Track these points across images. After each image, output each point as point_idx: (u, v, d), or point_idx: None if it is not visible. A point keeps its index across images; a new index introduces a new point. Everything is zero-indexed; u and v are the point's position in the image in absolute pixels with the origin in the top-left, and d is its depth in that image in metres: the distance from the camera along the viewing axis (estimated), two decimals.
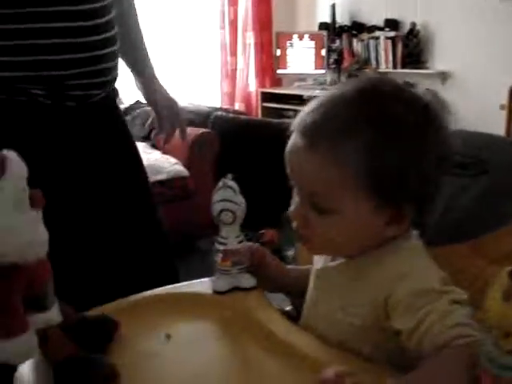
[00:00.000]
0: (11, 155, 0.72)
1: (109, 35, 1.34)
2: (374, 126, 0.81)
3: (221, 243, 1.02)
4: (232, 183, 0.99)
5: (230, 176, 1.00)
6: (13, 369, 0.77)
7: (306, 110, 0.87)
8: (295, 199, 0.90)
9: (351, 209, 0.84)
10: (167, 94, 1.63)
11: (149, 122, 1.72)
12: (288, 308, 1.13)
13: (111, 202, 1.39)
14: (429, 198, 0.87)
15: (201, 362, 0.88)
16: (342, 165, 0.81)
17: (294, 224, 0.90)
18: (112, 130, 1.46)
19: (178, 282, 1.14)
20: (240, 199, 0.99)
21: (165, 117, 1.60)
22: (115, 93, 1.47)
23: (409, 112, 0.83)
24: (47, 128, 1.30)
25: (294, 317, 1.08)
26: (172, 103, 1.63)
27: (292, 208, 0.90)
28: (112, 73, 1.39)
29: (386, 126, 0.82)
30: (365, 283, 0.87)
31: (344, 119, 0.82)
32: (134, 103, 4.25)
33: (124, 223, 1.44)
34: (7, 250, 0.69)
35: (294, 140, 0.87)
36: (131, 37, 1.58)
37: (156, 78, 1.64)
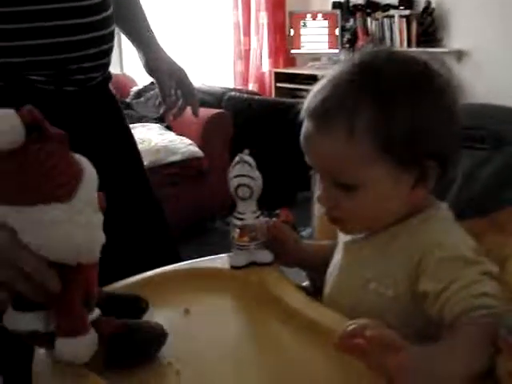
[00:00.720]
0: (84, 162, 0.75)
1: (106, 15, 1.31)
2: (376, 92, 0.82)
3: (238, 218, 1.02)
4: (248, 158, 0.99)
5: (246, 151, 1.00)
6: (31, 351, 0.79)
7: (311, 94, 0.88)
8: (320, 184, 0.90)
9: (374, 180, 0.85)
10: (173, 62, 1.54)
11: (158, 99, 1.61)
12: (305, 283, 1.13)
13: (108, 185, 1.35)
14: (447, 154, 0.86)
15: (219, 337, 0.88)
16: (354, 140, 0.82)
17: (325, 208, 0.91)
18: (108, 113, 1.43)
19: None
20: (257, 174, 0.99)
21: (169, 87, 1.51)
22: (110, 76, 1.44)
23: (410, 73, 0.85)
24: (46, 114, 1.26)
25: (311, 292, 1.08)
26: (178, 72, 1.53)
27: (318, 193, 0.91)
28: (109, 55, 1.36)
29: (387, 90, 0.83)
30: (397, 251, 0.87)
31: (348, 96, 0.83)
32: (148, 85, 4.24)
33: (122, 207, 1.36)
34: (85, 249, 0.72)
35: (305, 126, 0.89)
36: (126, 1, 1.51)
37: (158, 45, 1.56)
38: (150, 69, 1.54)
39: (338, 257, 0.98)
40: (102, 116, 1.40)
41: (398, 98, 0.83)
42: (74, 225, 0.71)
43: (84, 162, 0.75)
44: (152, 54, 1.54)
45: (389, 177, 0.85)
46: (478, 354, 0.69)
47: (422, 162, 0.84)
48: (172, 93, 1.53)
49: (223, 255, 1.07)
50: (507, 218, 0.96)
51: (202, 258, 1.10)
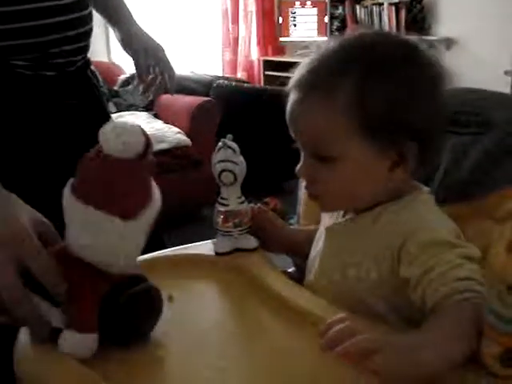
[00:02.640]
0: (155, 189, 0.79)
1: None
2: (358, 65, 0.83)
3: (222, 204, 1.01)
4: (232, 143, 0.98)
5: (230, 136, 0.99)
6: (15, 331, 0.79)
7: (298, 68, 0.89)
8: (301, 157, 0.90)
9: (352, 154, 0.84)
10: (149, 38, 1.51)
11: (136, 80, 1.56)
12: (290, 269, 1.13)
13: None
14: (429, 136, 0.86)
15: (203, 323, 0.88)
16: (334, 110, 0.83)
17: (303, 182, 0.91)
18: (87, 99, 1.39)
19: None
20: (240, 159, 0.98)
21: (145, 63, 1.48)
22: (89, 62, 1.41)
23: (394, 49, 0.86)
24: (26, 98, 1.25)
25: (296, 278, 1.07)
26: (155, 48, 1.49)
27: (298, 166, 0.90)
28: (88, 37, 1.34)
29: (370, 63, 0.83)
30: (379, 234, 0.86)
31: (331, 67, 0.85)
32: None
33: None
34: (119, 264, 0.76)
35: (290, 98, 0.89)
36: None
37: (134, 21, 1.52)
38: (125, 44, 1.51)
39: (319, 242, 0.98)
40: (81, 102, 1.37)
41: (382, 74, 0.83)
42: (122, 243, 0.75)
43: (155, 188, 0.79)
44: (127, 30, 1.51)
45: (367, 153, 0.84)
46: (462, 338, 0.69)
47: (401, 142, 0.84)
48: (151, 71, 1.50)
49: (207, 241, 1.06)
50: (491, 203, 0.95)
51: (187, 245, 1.09)
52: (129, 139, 0.72)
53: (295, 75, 0.89)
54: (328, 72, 0.85)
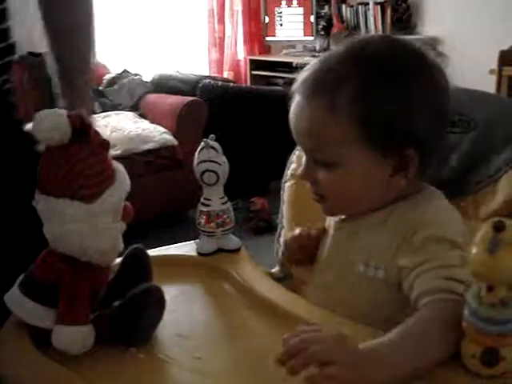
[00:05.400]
0: (119, 167, 0.81)
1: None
2: (361, 71, 0.82)
3: (205, 205, 1.01)
4: (214, 143, 0.97)
5: (212, 136, 0.98)
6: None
7: (302, 71, 0.89)
8: (303, 161, 0.90)
9: (352, 160, 0.84)
10: None
11: None
12: (274, 270, 1.13)
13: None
14: (429, 142, 0.85)
15: (186, 323, 0.87)
16: (335, 114, 0.82)
17: (307, 185, 0.91)
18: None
19: None
20: (223, 159, 0.97)
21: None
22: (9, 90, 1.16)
23: (398, 55, 0.85)
24: None
25: (280, 278, 1.07)
26: None
27: (301, 169, 0.90)
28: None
29: (373, 70, 0.83)
30: (388, 232, 0.86)
31: (334, 71, 0.84)
32: (122, 72, 4.20)
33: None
34: (94, 252, 0.77)
35: (293, 101, 0.88)
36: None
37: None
38: None
39: (326, 241, 0.97)
40: None
41: (383, 80, 0.82)
42: (89, 227, 0.76)
43: (120, 172, 0.81)
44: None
45: (367, 160, 0.84)
46: (435, 342, 0.68)
47: (401, 149, 0.83)
48: None
49: (190, 242, 1.06)
50: (471, 203, 0.96)
51: (169, 246, 1.08)
52: (46, 126, 0.74)
53: (299, 78, 0.88)
54: (331, 78, 0.84)
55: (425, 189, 0.90)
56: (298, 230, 1.02)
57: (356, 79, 0.82)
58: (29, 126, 0.94)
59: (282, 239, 1.20)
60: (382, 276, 0.85)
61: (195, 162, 0.98)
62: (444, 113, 0.87)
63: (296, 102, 0.87)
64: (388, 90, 0.82)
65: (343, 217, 0.94)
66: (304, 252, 1.00)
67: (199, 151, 0.98)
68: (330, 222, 0.98)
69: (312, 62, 0.89)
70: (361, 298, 0.87)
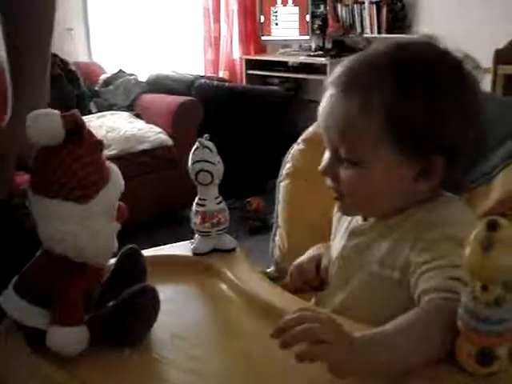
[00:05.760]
0: (113, 167, 0.82)
1: None
2: (400, 74, 0.82)
3: (199, 205, 1.00)
4: (208, 143, 0.97)
5: (206, 136, 0.98)
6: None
7: (338, 67, 0.88)
8: (326, 157, 0.89)
9: (378, 160, 0.84)
10: None
11: None
12: (269, 269, 1.13)
13: None
14: (458, 153, 0.84)
15: (181, 323, 0.87)
16: (368, 113, 0.82)
17: (327, 181, 0.89)
18: None
19: None
20: (217, 159, 0.97)
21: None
22: None
23: (438, 63, 0.85)
24: None
25: (275, 277, 1.07)
26: None
27: (322, 164, 0.89)
28: None
29: (411, 74, 0.82)
30: (406, 232, 0.85)
31: (372, 70, 0.84)
32: (117, 72, 4.19)
33: None
34: (88, 252, 0.77)
35: (324, 95, 0.87)
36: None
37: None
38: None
39: (339, 245, 0.96)
40: None
41: (421, 86, 0.82)
42: (83, 227, 0.76)
43: (114, 172, 0.81)
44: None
45: (393, 161, 0.83)
46: (430, 341, 0.69)
47: (428, 156, 0.83)
48: None
49: (185, 242, 1.05)
50: (465, 201, 0.96)
51: (164, 246, 1.08)
52: (39, 127, 0.74)
53: (336, 71, 0.88)
54: (369, 76, 0.83)
55: (443, 195, 0.89)
56: (303, 260, 1.01)
57: (393, 82, 0.81)
58: None
59: (277, 239, 1.20)
60: (398, 277, 0.84)
61: (190, 161, 0.98)
62: (476, 126, 0.86)
63: (329, 96, 0.86)
64: (424, 97, 0.81)
65: (359, 222, 0.94)
66: (308, 285, 1.00)
67: (194, 151, 0.98)
68: (341, 226, 0.98)
69: (351, 58, 0.88)
70: (373, 298, 0.87)
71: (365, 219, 0.93)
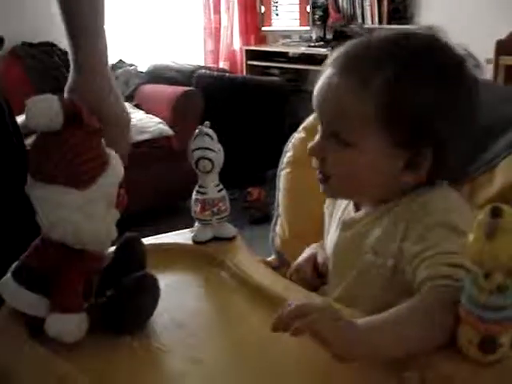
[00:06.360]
0: (112, 153, 0.81)
1: None
2: (399, 61, 0.82)
3: (200, 193, 1.00)
4: (209, 130, 0.97)
5: (207, 123, 0.97)
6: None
7: (339, 48, 0.89)
8: (317, 136, 0.89)
9: (370, 144, 0.83)
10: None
11: None
12: (270, 258, 1.12)
13: None
14: (447, 148, 0.84)
15: (181, 311, 0.87)
16: (365, 93, 0.82)
17: (313, 161, 0.89)
18: None
19: None
20: (218, 146, 0.97)
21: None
22: None
23: (437, 56, 0.84)
24: None
25: (275, 266, 1.07)
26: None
27: (312, 143, 0.89)
28: None
29: (410, 63, 0.82)
30: (390, 222, 0.85)
31: (373, 53, 0.84)
32: (117, 62, 4.18)
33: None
34: (87, 239, 0.77)
35: (323, 73, 0.88)
36: None
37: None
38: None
39: (333, 239, 0.96)
40: None
41: (418, 76, 0.82)
42: (82, 213, 0.76)
43: (113, 158, 0.80)
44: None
45: (382, 147, 0.83)
46: (431, 327, 0.68)
47: (418, 146, 0.83)
48: None
49: (185, 230, 1.05)
50: (467, 190, 0.95)
51: (165, 234, 1.08)
52: (38, 112, 0.74)
53: (335, 53, 0.88)
54: (369, 59, 0.84)
55: (433, 183, 0.88)
56: (300, 262, 1.01)
57: (392, 67, 0.81)
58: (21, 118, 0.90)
59: (277, 228, 1.20)
60: (391, 264, 0.84)
61: (190, 149, 0.97)
62: (470, 122, 0.86)
63: (326, 74, 0.87)
64: (420, 87, 0.82)
65: (351, 214, 0.93)
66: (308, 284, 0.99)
67: (194, 138, 0.97)
68: (335, 216, 0.98)
69: (352, 41, 0.89)
70: (368, 285, 0.87)
71: (356, 210, 0.93)
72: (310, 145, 0.89)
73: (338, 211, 0.98)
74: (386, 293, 0.84)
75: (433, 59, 0.84)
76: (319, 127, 0.89)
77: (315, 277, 0.99)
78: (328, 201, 1.02)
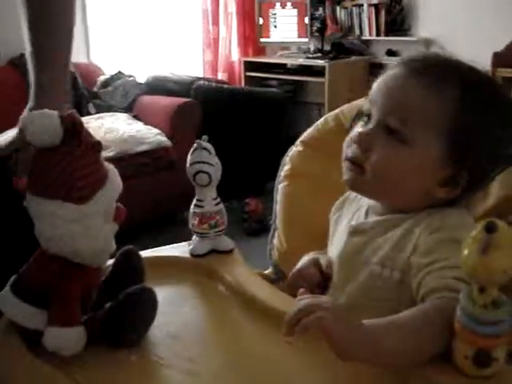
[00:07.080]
0: (111, 168, 0.82)
1: None
2: (470, 87, 0.84)
3: (197, 206, 1.00)
4: (207, 144, 0.97)
5: (205, 137, 0.98)
6: None
7: (404, 56, 0.91)
8: (365, 126, 0.88)
9: (425, 147, 0.84)
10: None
11: None
12: (267, 271, 1.12)
13: None
14: (483, 176, 0.87)
15: (178, 324, 0.87)
16: (438, 94, 0.83)
17: (351, 150, 0.88)
18: None
19: None
20: (215, 160, 0.97)
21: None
22: None
23: (498, 90, 0.89)
24: None
25: (273, 279, 1.07)
26: None
27: (359, 130, 0.88)
28: None
29: (478, 92, 0.84)
30: (402, 234, 0.85)
31: (449, 69, 0.86)
32: (115, 74, 4.19)
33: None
34: (86, 253, 0.77)
35: (391, 71, 0.89)
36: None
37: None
38: None
39: (338, 245, 0.95)
40: None
41: (487, 103, 0.85)
42: (81, 227, 0.76)
43: (112, 172, 0.81)
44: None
45: (434, 154, 0.84)
46: (431, 337, 0.69)
47: (462, 167, 0.84)
48: None
49: (183, 243, 1.05)
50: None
51: (162, 247, 1.08)
52: (37, 128, 0.74)
53: (405, 56, 0.90)
54: (444, 69, 0.86)
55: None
56: (301, 267, 1.00)
57: (461, 88, 0.84)
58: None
59: (275, 240, 1.20)
60: (398, 277, 0.84)
61: (188, 163, 0.98)
62: (503, 154, 0.89)
63: (397, 73, 0.87)
64: (485, 115, 0.84)
65: (361, 220, 0.94)
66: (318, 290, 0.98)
67: (192, 152, 0.98)
68: (341, 225, 0.98)
69: (412, 54, 0.91)
70: (373, 297, 0.87)
71: (366, 218, 0.93)
72: (354, 133, 0.88)
73: (345, 218, 0.98)
74: (390, 303, 0.84)
75: (496, 92, 0.88)
76: (373, 118, 0.87)
77: (321, 279, 0.98)
78: (334, 209, 1.02)
